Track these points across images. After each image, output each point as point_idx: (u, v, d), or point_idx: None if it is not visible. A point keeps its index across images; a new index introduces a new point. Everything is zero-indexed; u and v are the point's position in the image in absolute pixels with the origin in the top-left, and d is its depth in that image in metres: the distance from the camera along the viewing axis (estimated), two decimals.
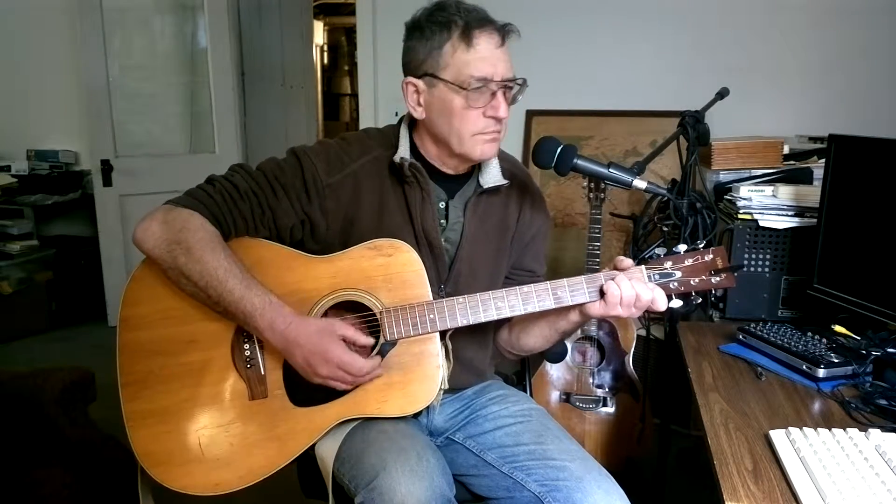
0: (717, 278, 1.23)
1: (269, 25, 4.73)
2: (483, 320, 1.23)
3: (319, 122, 7.50)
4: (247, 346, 1.23)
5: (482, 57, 1.19)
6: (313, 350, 1.15)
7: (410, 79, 1.25)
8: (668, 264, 1.24)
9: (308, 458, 1.27)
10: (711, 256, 1.24)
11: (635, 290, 1.18)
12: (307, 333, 1.16)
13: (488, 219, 1.37)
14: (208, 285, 1.15)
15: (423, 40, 1.22)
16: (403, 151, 1.29)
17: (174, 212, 1.19)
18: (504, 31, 1.22)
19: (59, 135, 4.04)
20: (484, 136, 1.24)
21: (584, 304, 1.23)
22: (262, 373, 1.22)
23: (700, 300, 1.27)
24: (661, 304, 1.20)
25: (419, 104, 1.26)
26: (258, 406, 1.22)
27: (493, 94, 1.21)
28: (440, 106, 1.23)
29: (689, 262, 1.24)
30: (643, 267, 1.23)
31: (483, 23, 1.20)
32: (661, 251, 1.26)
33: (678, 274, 1.23)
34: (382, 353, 1.22)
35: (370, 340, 1.20)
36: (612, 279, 1.20)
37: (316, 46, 7.41)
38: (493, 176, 1.35)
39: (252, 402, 1.22)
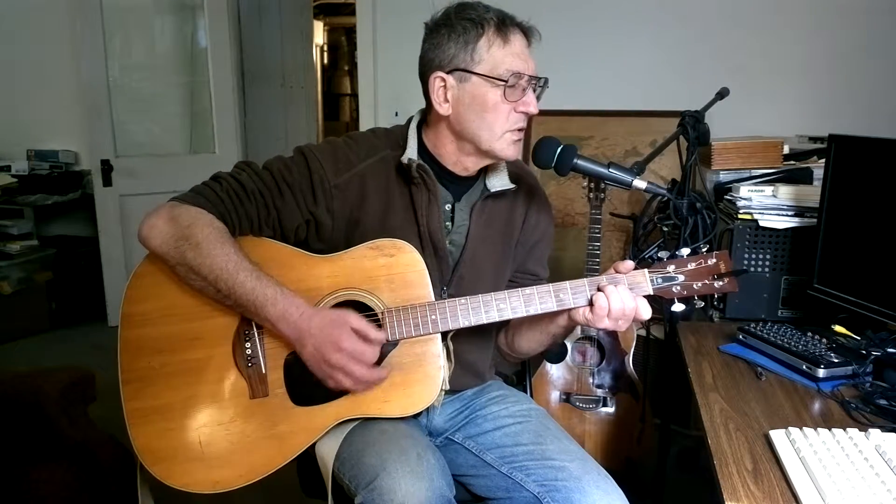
0: (720, 283, 1.23)
1: (269, 25, 4.73)
2: (485, 321, 1.23)
3: (319, 122, 7.49)
4: (248, 344, 1.23)
5: (516, 53, 1.22)
6: (326, 339, 1.15)
7: (439, 73, 1.24)
8: (672, 268, 1.23)
9: (308, 458, 1.27)
10: (715, 261, 1.23)
11: (623, 303, 1.18)
12: (320, 323, 1.16)
13: (493, 222, 1.37)
14: (218, 279, 1.15)
15: (453, 36, 1.22)
16: (411, 152, 1.29)
17: (180, 208, 1.19)
18: (530, 33, 1.26)
19: (59, 135, 4.03)
20: (512, 133, 1.26)
21: (572, 309, 1.23)
22: (263, 371, 1.22)
23: (702, 304, 1.27)
24: (645, 314, 1.20)
25: (446, 100, 1.25)
26: (259, 405, 1.22)
27: (524, 91, 1.23)
28: (471, 100, 1.23)
29: (692, 266, 1.23)
30: (646, 270, 1.23)
31: (514, 21, 1.24)
32: (664, 255, 1.26)
33: (681, 278, 1.23)
34: (384, 354, 1.22)
35: (382, 335, 1.19)
36: (602, 289, 1.19)
37: (316, 46, 7.40)
38: (500, 180, 1.35)
39: (252, 401, 1.21)
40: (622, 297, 1.18)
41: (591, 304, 1.21)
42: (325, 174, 1.26)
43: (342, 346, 1.15)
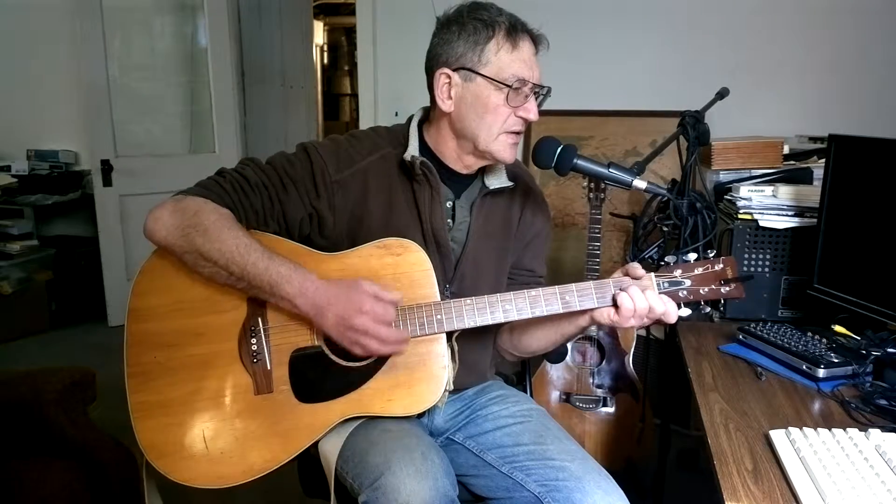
0: (727, 288, 1.23)
1: (269, 25, 4.73)
2: (490, 322, 1.23)
3: (319, 122, 7.51)
4: (254, 340, 1.23)
5: (523, 59, 1.24)
6: (347, 305, 1.15)
7: (445, 70, 1.25)
8: (678, 273, 1.24)
9: (309, 458, 1.27)
10: (721, 266, 1.23)
11: (649, 302, 1.19)
12: (338, 292, 1.17)
13: (492, 219, 1.38)
14: (229, 262, 1.16)
15: (463, 35, 1.24)
16: (413, 150, 1.30)
17: (185, 200, 1.20)
18: (539, 41, 1.27)
19: (59, 135, 4.04)
20: (510, 136, 1.27)
21: (594, 309, 1.24)
22: (269, 368, 1.23)
23: (708, 309, 1.27)
24: (673, 317, 1.21)
25: (450, 97, 1.26)
26: (263, 401, 1.22)
27: (526, 97, 1.24)
28: (474, 100, 1.25)
29: (698, 271, 1.24)
30: (653, 275, 1.23)
31: (525, 28, 1.26)
32: (671, 259, 1.26)
33: (688, 283, 1.23)
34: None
35: (396, 296, 1.19)
36: (625, 290, 1.20)
37: (316, 46, 7.41)
38: (498, 177, 1.36)
39: (257, 397, 1.22)
40: (647, 298, 1.19)
41: (614, 303, 1.21)
42: (327, 169, 1.27)
43: (364, 308, 1.15)
